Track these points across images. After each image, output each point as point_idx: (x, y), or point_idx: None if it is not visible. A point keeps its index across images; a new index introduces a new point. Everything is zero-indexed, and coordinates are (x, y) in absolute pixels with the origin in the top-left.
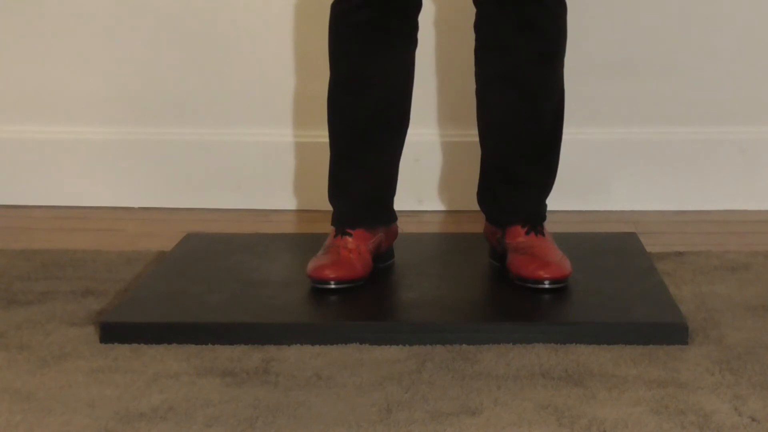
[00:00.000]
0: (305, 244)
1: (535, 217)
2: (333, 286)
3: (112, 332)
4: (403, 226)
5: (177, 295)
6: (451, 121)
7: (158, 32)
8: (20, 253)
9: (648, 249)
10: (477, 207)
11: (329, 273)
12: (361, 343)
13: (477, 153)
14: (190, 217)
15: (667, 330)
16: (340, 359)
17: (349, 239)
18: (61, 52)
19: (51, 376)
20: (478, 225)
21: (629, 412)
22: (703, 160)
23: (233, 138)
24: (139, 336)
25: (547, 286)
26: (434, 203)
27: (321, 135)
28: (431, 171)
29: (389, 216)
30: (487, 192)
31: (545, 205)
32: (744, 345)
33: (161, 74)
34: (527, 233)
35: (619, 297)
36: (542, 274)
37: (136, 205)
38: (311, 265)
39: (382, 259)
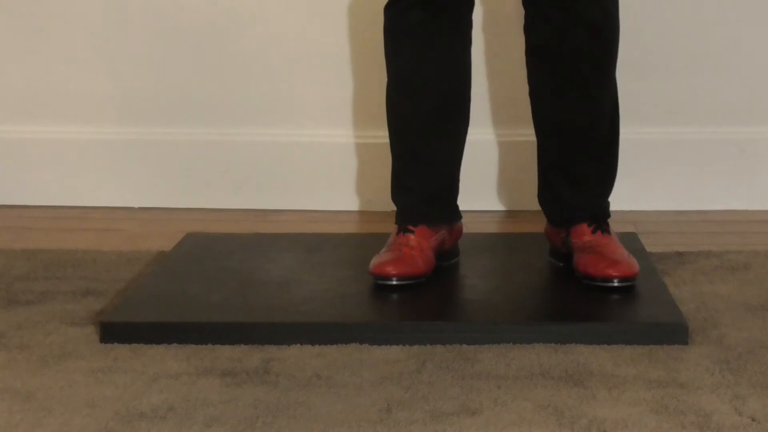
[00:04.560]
0: (305, 244)
1: (599, 214)
2: (395, 283)
3: (112, 332)
4: None
5: (177, 295)
6: None
7: (158, 32)
8: (20, 253)
9: (648, 249)
10: (477, 207)
11: (391, 269)
12: (361, 343)
13: (478, 154)
14: (190, 217)
15: (667, 330)
16: (340, 359)
17: (411, 236)
18: (61, 52)
19: (51, 376)
20: (478, 225)
21: (629, 412)
22: (703, 160)
23: (233, 138)
24: (139, 336)
25: (616, 284)
26: None
27: (321, 135)
28: None
29: (452, 214)
30: (548, 192)
31: (608, 203)
32: (744, 345)
33: (161, 74)
34: (593, 232)
35: (619, 297)
36: (611, 272)
37: (136, 205)
38: (373, 262)
39: (446, 257)
